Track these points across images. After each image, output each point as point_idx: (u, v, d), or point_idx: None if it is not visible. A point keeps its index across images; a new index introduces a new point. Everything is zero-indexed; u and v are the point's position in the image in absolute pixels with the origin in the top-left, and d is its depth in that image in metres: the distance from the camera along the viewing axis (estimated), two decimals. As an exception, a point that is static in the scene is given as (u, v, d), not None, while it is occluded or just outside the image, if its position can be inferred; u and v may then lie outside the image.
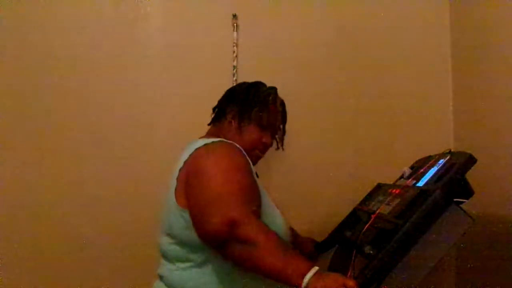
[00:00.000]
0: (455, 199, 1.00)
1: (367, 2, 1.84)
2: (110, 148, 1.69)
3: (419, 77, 1.85)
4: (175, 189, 1.05)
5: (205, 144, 1.07)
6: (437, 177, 1.05)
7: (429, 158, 1.27)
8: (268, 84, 1.32)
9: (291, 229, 1.30)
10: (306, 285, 0.81)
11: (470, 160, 1.01)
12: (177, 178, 1.06)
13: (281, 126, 1.33)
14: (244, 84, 1.31)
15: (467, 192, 1.02)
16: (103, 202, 1.66)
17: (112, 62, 1.71)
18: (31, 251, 1.62)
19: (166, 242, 1.09)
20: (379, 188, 1.38)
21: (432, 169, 1.14)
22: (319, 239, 1.43)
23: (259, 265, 0.88)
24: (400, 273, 0.95)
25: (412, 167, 1.33)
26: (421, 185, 1.10)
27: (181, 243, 1.05)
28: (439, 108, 1.84)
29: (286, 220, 1.16)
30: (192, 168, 1.04)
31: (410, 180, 1.21)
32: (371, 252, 1.01)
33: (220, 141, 1.11)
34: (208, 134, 1.24)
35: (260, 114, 1.22)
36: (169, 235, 1.08)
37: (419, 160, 1.36)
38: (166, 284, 1.09)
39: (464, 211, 1.01)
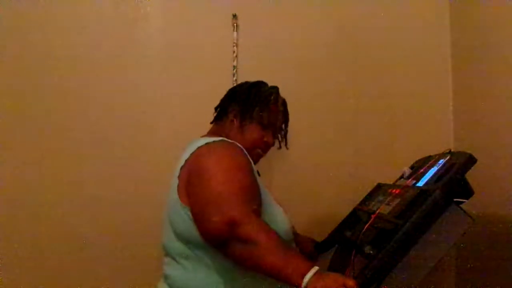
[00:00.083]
0: (455, 199, 1.00)
1: (367, 2, 1.84)
2: (110, 148, 1.69)
3: (419, 77, 1.85)
4: (177, 187, 1.06)
5: (207, 143, 1.08)
6: (437, 177, 1.05)
7: (429, 158, 1.27)
8: (269, 84, 1.32)
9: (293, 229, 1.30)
10: (306, 285, 0.81)
11: (470, 160, 1.01)
12: (178, 177, 1.06)
13: (283, 126, 1.34)
14: (246, 84, 1.32)
15: (467, 192, 1.02)
16: (103, 202, 1.66)
17: (112, 62, 1.71)
18: (31, 251, 1.62)
19: (170, 240, 1.10)
20: (379, 188, 1.38)
21: (432, 169, 1.14)
22: (319, 239, 1.43)
23: (260, 264, 0.88)
24: (400, 273, 0.95)
25: (412, 167, 1.33)
26: (421, 185, 1.10)
27: (185, 240, 1.06)
28: (439, 108, 1.84)
29: (289, 218, 1.16)
30: (193, 167, 1.04)
31: (410, 180, 1.21)
32: (371, 252, 1.01)
33: (221, 140, 1.11)
34: (210, 133, 1.25)
35: (262, 113, 1.23)
36: (173, 232, 1.09)
37: (419, 160, 1.36)
38: (170, 284, 1.09)
39: (464, 211, 1.01)
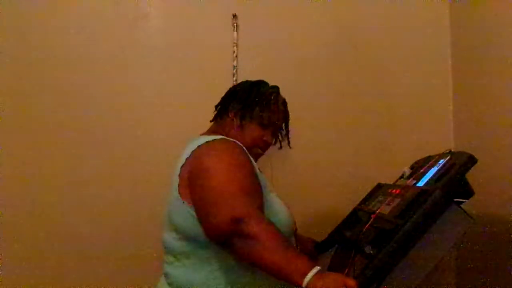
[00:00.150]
0: (455, 199, 1.00)
1: (367, 2, 1.84)
2: (110, 148, 1.69)
3: (419, 77, 1.85)
4: (178, 186, 1.06)
5: (207, 142, 1.08)
6: (437, 177, 1.05)
7: (429, 158, 1.27)
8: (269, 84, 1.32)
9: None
10: (307, 285, 0.81)
11: (471, 160, 1.01)
12: (179, 175, 1.06)
13: (283, 125, 1.34)
14: (247, 82, 1.33)
15: (467, 192, 1.02)
16: (103, 202, 1.66)
17: (112, 62, 1.71)
18: (31, 251, 1.62)
19: (171, 238, 1.10)
20: (379, 188, 1.38)
21: (432, 169, 1.14)
22: (319, 239, 1.43)
23: (262, 261, 0.88)
24: (400, 273, 0.95)
25: (412, 167, 1.33)
26: (421, 185, 1.10)
27: (187, 239, 1.06)
28: (439, 108, 1.84)
29: (291, 214, 1.16)
30: (194, 165, 1.05)
31: (410, 180, 1.22)
32: (371, 252, 1.01)
33: (222, 138, 1.11)
34: (210, 131, 1.25)
35: (262, 113, 1.23)
36: (174, 231, 1.09)
37: (419, 160, 1.36)
38: (171, 283, 1.09)
39: (464, 211, 1.01)
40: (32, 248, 1.62)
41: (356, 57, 1.83)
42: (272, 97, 1.27)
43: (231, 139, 1.13)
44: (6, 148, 1.64)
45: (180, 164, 1.07)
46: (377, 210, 1.13)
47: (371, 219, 1.08)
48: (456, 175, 0.99)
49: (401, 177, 1.32)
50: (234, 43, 1.75)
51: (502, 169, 1.44)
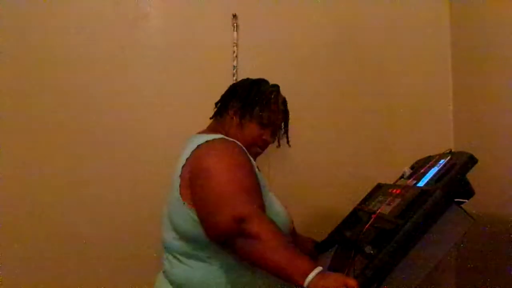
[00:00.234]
0: (455, 199, 1.00)
1: (367, 2, 1.84)
2: (110, 148, 1.69)
3: (419, 77, 1.85)
4: (179, 187, 1.06)
5: (207, 141, 1.08)
6: (437, 177, 1.05)
7: (429, 158, 1.27)
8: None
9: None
10: (308, 285, 0.81)
11: (471, 160, 1.01)
12: (180, 176, 1.06)
13: (283, 124, 1.34)
14: (247, 80, 1.32)
15: (468, 192, 1.02)
16: (103, 202, 1.66)
17: (112, 62, 1.71)
18: (31, 251, 1.62)
19: (171, 238, 1.10)
20: (379, 188, 1.38)
21: (433, 169, 1.14)
22: (319, 239, 1.43)
23: (264, 261, 0.89)
24: (400, 273, 0.95)
25: (412, 167, 1.33)
26: (421, 185, 1.10)
27: (187, 239, 1.06)
28: (439, 108, 1.84)
29: (289, 214, 1.17)
30: (194, 166, 1.05)
31: (410, 180, 1.22)
32: (372, 252, 1.01)
33: (221, 138, 1.11)
34: (209, 129, 1.25)
35: (262, 111, 1.23)
36: (174, 231, 1.09)
37: (419, 160, 1.36)
38: (171, 281, 1.09)
39: (465, 211, 1.01)
40: (32, 248, 1.62)
41: (356, 57, 1.83)
42: (272, 96, 1.27)
43: (230, 138, 1.13)
44: (6, 148, 1.64)
45: (180, 165, 1.07)
46: (377, 210, 1.13)
47: (371, 219, 1.08)
48: (457, 175, 0.99)
49: (401, 177, 1.33)
50: (234, 43, 1.75)
51: (502, 169, 1.44)
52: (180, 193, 1.05)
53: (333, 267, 1.32)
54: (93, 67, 1.70)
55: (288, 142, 1.39)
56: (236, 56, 1.75)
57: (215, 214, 0.95)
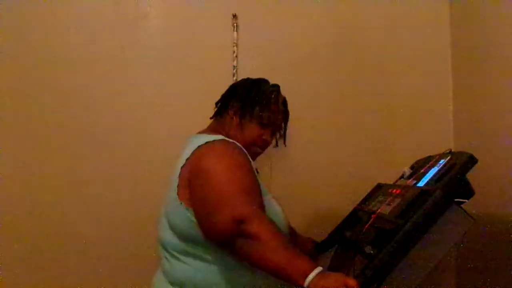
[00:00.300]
0: (455, 199, 1.00)
1: (367, 2, 1.84)
2: (110, 148, 1.69)
3: (419, 77, 1.85)
4: (177, 187, 1.06)
5: (207, 142, 1.08)
6: (437, 177, 1.05)
7: (429, 158, 1.27)
8: (269, 83, 1.32)
9: (290, 228, 1.30)
10: (308, 285, 0.81)
11: (471, 160, 1.01)
12: (179, 176, 1.06)
13: (283, 124, 1.34)
14: (248, 80, 1.32)
15: (468, 192, 1.02)
16: (103, 202, 1.66)
17: (112, 62, 1.71)
18: (31, 251, 1.62)
19: (169, 237, 1.10)
20: (379, 188, 1.38)
21: (433, 169, 1.14)
22: (319, 239, 1.42)
23: (264, 261, 0.88)
24: (400, 273, 0.95)
25: (412, 167, 1.33)
26: (421, 185, 1.10)
27: (185, 239, 1.06)
28: (439, 108, 1.84)
29: (287, 217, 1.17)
30: (194, 167, 1.05)
31: (410, 180, 1.22)
32: (372, 252, 1.00)
33: (221, 139, 1.11)
34: (209, 129, 1.25)
35: (262, 112, 1.23)
36: (171, 230, 1.09)
37: (419, 160, 1.36)
38: (172, 282, 1.09)
39: (465, 211, 1.01)
40: (32, 248, 1.62)
41: (356, 57, 1.83)
42: (273, 96, 1.26)
43: (230, 140, 1.13)
44: (6, 148, 1.64)
45: (180, 165, 1.07)
46: (377, 210, 1.13)
47: (371, 219, 1.08)
48: (457, 175, 0.99)
49: (401, 177, 1.32)
50: (234, 43, 1.75)
51: (502, 169, 1.44)
52: (178, 193, 1.05)
53: (333, 267, 1.32)
54: (93, 67, 1.70)
55: (284, 142, 1.38)
56: (236, 56, 1.75)
57: (214, 214, 0.94)
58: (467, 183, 1.02)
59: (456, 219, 0.99)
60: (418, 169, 1.25)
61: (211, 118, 1.31)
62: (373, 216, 1.10)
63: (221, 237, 0.94)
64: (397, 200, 1.10)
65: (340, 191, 1.74)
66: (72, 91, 1.68)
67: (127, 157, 1.69)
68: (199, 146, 1.07)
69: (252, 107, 1.23)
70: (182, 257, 1.08)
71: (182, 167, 1.07)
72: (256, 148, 1.25)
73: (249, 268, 1.02)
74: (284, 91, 1.33)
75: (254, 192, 1.01)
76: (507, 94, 1.44)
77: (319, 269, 0.83)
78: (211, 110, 1.32)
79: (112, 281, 1.62)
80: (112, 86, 1.71)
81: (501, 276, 1.39)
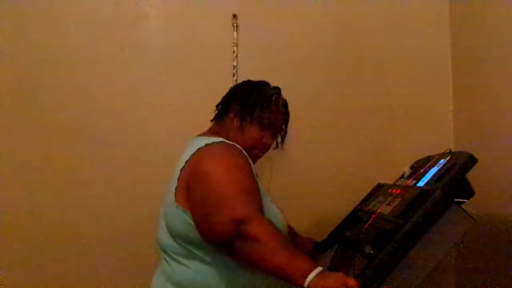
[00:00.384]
0: (455, 199, 1.00)
1: (367, 2, 1.84)
2: (110, 148, 1.69)
3: (419, 77, 1.85)
4: (176, 189, 1.06)
5: (207, 144, 1.08)
6: (437, 177, 1.05)
7: (429, 158, 1.28)
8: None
9: (290, 228, 1.30)
10: (308, 285, 0.81)
11: (471, 160, 1.01)
12: (178, 178, 1.06)
13: (283, 127, 1.33)
14: (248, 83, 1.32)
15: (468, 192, 1.02)
16: (103, 202, 1.66)
17: (112, 62, 1.71)
18: (31, 251, 1.62)
19: (167, 239, 1.10)
20: (379, 188, 1.38)
21: (433, 169, 1.14)
22: (319, 239, 1.43)
23: (264, 262, 0.89)
24: (400, 273, 0.95)
25: (412, 167, 1.33)
26: (421, 185, 1.10)
27: (183, 240, 1.06)
28: (439, 108, 1.84)
29: (286, 219, 1.16)
30: (194, 169, 1.04)
31: (410, 180, 1.22)
32: (372, 252, 1.01)
33: (221, 142, 1.11)
34: (210, 132, 1.25)
35: (262, 114, 1.22)
36: (169, 232, 1.09)
37: (419, 160, 1.36)
38: (173, 282, 1.09)
39: (465, 211, 1.01)
40: (32, 248, 1.62)
41: (356, 57, 1.83)
42: (273, 98, 1.26)
43: (230, 142, 1.13)
44: (6, 148, 1.64)
45: (179, 167, 1.07)
46: (377, 210, 1.13)
47: (371, 219, 1.09)
48: (457, 175, 0.99)
49: (401, 177, 1.33)
50: (234, 43, 1.75)
51: (502, 169, 1.44)
52: (175, 195, 1.05)
53: (333, 267, 1.32)
54: (93, 67, 1.70)
55: (282, 143, 1.37)
56: (236, 56, 1.75)
57: (214, 215, 0.94)
58: (467, 183, 1.02)
59: (456, 219, 0.99)
60: (418, 169, 1.26)
61: (211, 120, 1.31)
62: (373, 216, 1.10)
63: (220, 238, 0.94)
64: (397, 200, 1.10)
65: (340, 191, 1.74)
66: (72, 91, 1.68)
67: (127, 157, 1.69)
68: (199, 149, 1.07)
69: (253, 110, 1.22)
70: (181, 259, 1.07)
71: (181, 170, 1.06)
72: (256, 151, 1.25)
73: (249, 269, 1.03)
74: (284, 91, 1.33)
75: (254, 194, 1.01)
76: (507, 94, 1.44)
77: (319, 269, 0.83)
78: (211, 110, 1.32)
79: (112, 281, 1.62)
80: (112, 86, 1.71)
81: (501, 276, 1.39)
